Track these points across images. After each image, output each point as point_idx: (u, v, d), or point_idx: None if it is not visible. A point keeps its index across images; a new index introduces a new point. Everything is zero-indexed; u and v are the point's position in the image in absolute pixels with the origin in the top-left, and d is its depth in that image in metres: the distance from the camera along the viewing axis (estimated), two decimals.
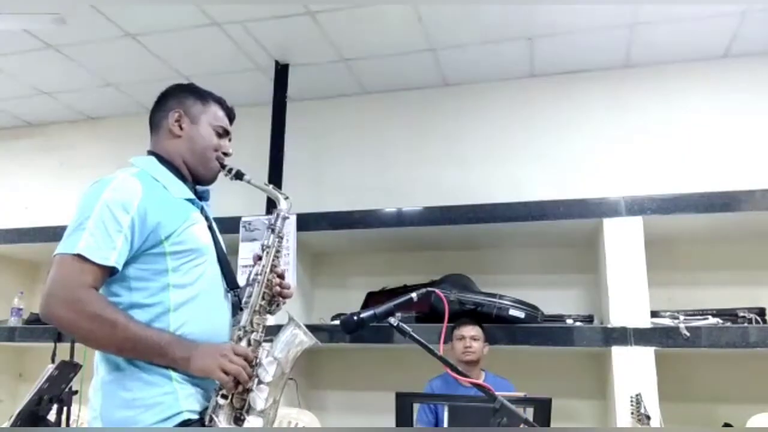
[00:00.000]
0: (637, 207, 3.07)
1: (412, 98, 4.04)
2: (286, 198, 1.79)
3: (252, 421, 1.49)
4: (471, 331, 3.02)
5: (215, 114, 1.74)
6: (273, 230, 1.73)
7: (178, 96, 1.74)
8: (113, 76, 4.04)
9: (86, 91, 4.23)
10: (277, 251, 1.71)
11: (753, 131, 3.47)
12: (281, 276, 1.70)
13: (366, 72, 3.88)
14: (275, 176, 3.60)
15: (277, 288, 1.69)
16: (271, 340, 1.62)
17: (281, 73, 3.79)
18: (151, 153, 1.71)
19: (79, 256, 1.43)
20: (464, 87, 3.97)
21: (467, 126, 3.91)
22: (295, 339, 1.60)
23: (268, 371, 1.53)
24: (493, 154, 3.82)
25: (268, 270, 1.67)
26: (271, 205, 3.52)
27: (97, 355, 1.54)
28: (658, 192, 3.13)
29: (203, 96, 1.76)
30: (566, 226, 3.25)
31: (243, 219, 3.44)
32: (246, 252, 3.34)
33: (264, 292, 1.65)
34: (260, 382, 1.52)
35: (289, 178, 3.65)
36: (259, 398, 1.50)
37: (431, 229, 3.40)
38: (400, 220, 3.45)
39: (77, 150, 4.61)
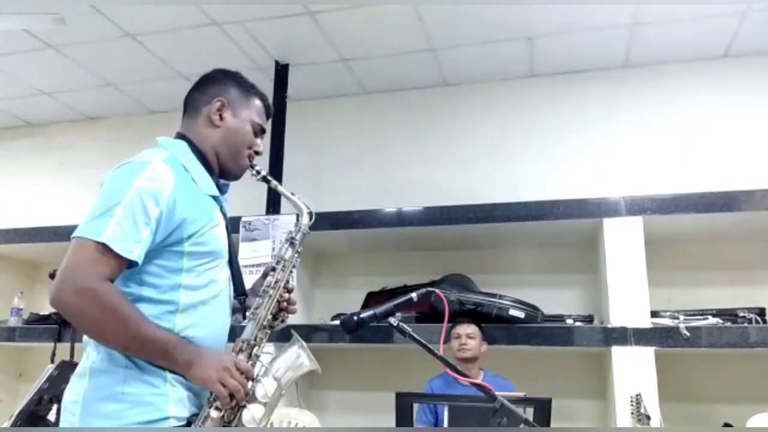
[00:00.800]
0: (637, 207, 3.07)
1: (412, 98, 4.04)
2: (310, 212, 1.71)
3: None
4: (467, 329, 3.04)
5: (257, 109, 1.67)
6: (293, 244, 1.67)
7: (223, 83, 1.66)
8: (113, 76, 4.03)
9: (86, 91, 4.23)
10: (294, 266, 1.67)
11: (753, 131, 3.47)
12: (290, 291, 1.67)
13: (366, 72, 3.88)
14: (275, 176, 3.57)
15: (285, 304, 1.65)
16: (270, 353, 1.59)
17: (281, 73, 3.79)
18: (181, 136, 1.62)
19: (103, 245, 1.35)
20: (464, 87, 3.97)
21: (467, 126, 3.91)
22: (298, 360, 1.57)
23: (266, 390, 1.48)
24: (493, 154, 3.82)
25: (282, 285, 1.63)
26: (271, 206, 3.53)
27: (89, 339, 1.47)
28: (658, 192, 3.13)
29: (247, 88, 1.68)
30: (566, 226, 3.25)
31: (243, 219, 3.44)
32: (246, 252, 3.34)
33: (273, 307, 1.61)
34: (255, 399, 1.47)
35: (289, 178, 3.65)
36: (253, 417, 1.45)
37: (431, 229, 3.40)
38: (400, 220, 3.44)
39: (77, 150, 4.61)
